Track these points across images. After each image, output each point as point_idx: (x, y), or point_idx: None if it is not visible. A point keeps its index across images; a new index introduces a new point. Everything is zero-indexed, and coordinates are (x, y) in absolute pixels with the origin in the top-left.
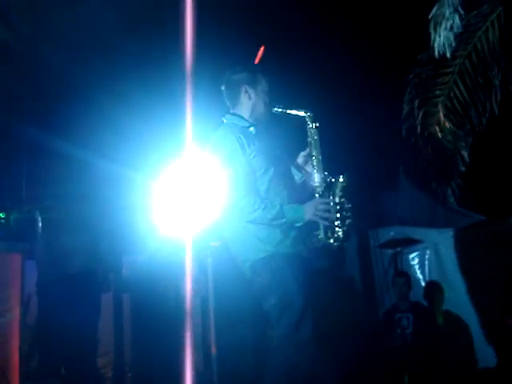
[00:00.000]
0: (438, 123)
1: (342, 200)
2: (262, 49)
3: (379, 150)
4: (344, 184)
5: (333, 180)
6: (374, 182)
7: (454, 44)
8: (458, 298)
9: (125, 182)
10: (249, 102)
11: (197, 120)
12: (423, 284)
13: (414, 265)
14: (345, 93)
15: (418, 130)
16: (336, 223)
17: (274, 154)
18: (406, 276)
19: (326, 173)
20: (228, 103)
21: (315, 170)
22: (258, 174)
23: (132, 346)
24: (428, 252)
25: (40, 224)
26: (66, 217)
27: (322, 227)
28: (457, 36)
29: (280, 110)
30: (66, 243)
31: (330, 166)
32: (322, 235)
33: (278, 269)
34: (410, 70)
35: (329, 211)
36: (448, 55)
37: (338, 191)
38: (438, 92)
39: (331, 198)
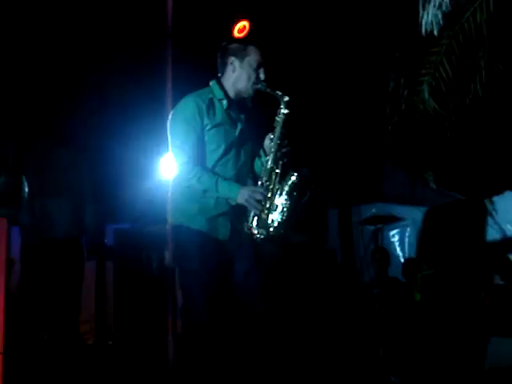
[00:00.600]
0: (423, 102)
1: (286, 197)
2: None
3: (362, 128)
4: (295, 181)
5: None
6: (356, 158)
7: (441, 22)
8: (436, 276)
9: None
10: (232, 74)
11: None
12: (402, 261)
13: (394, 241)
14: (330, 66)
15: (403, 107)
16: (266, 217)
17: (243, 133)
18: (384, 252)
19: (279, 162)
20: (218, 70)
21: (269, 156)
22: (208, 148)
23: (114, 314)
24: (408, 229)
25: (27, 189)
26: (50, 182)
27: (251, 216)
28: (445, 15)
29: (260, 87)
30: (50, 209)
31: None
32: (248, 224)
33: (179, 239)
34: (397, 48)
35: (260, 202)
36: (435, 33)
37: (286, 187)
38: (424, 71)
39: (275, 187)
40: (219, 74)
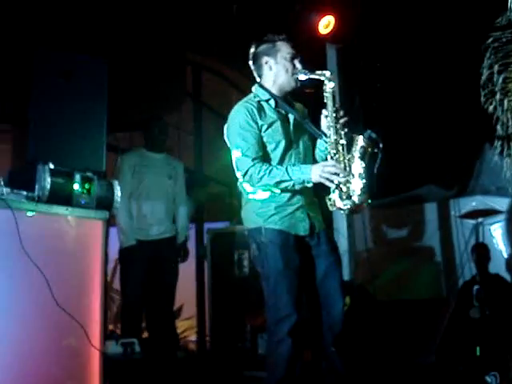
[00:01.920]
0: None
1: (359, 162)
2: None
3: (460, 118)
4: (363, 145)
5: (353, 137)
6: (455, 149)
7: None
8: None
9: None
10: (270, 73)
11: None
12: (505, 256)
13: (495, 236)
14: (421, 60)
15: (498, 96)
16: (346, 186)
17: (297, 127)
18: (485, 248)
19: (342, 133)
20: (256, 75)
21: (330, 130)
22: (268, 147)
23: (211, 312)
24: (510, 223)
25: (119, 193)
26: (147, 186)
27: (332, 191)
28: None
29: (299, 75)
30: (146, 212)
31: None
32: (332, 200)
33: (260, 242)
34: (488, 34)
35: (336, 174)
36: None
37: (356, 153)
38: None
39: (345, 158)
40: (258, 79)
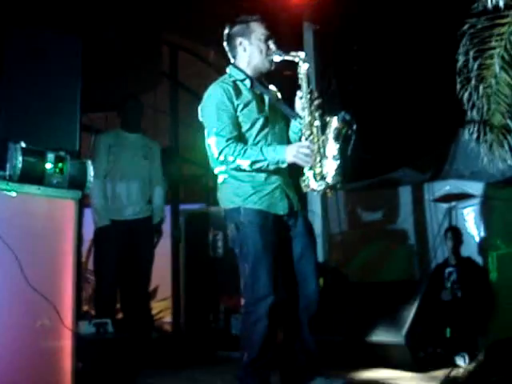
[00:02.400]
0: (494, 76)
1: (333, 143)
2: None
3: (436, 103)
4: (337, 126)
5: (326, 120)
6: (431, 134)
7: None
8: None
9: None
10: (244, 54)
11: None
12: (477, 240)
13: (468, 220)
14: (398, 44)
15: (473, 82)
16: (320, 167)
17: (272, 107)
18: (458, 231)
19: (316, 115)
20: (230, 57)
21: (304, 111)
22: (244, 127)
23: (186, 293)
24: (483, 207)
25: (92, 173)
26: (122, 166)
27: (306, 172)
28: None
29: (274, 55)
30: (120, 192)
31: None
32: (306, 181)
33: (238, 222)
34: (464, 21)
35: (309, 156)
36: (501, 4)
37: (329, 134)
38: (494, 43)
39: (320, 139)
40: (232, 60)
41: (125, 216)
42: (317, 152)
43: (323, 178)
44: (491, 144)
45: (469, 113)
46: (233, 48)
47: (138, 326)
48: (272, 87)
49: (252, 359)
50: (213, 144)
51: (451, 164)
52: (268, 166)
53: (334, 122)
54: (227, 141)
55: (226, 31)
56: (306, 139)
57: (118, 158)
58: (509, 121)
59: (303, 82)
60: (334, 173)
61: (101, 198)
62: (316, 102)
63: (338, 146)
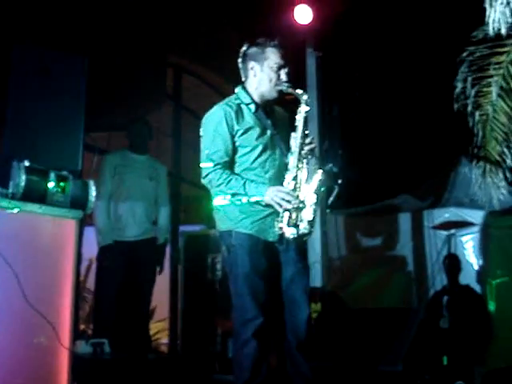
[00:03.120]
0: (491, 103)
1: (313, 194)
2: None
3: (436, 130)
4: (320, 178)
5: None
6: (431, 161)
7: (510, 20)
8: None
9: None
10: (254, 79)
11: None
12: (476, 268)
13: (467, 248)
14: (399, 71)
15: (469, 108)
16: (296, 214)
17: (274, 136)
18: (457, 259)
19: (304, 161)
20: (242, 76)
21: (294, 155)
22: (241, 151)
23: (183, 315)
24: (482, 235)
25: (94, 193)
26: (127, 187)
27: (281, 216)
28: None
29: (281, 88)
30: (125, 213)
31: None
32: (279, 224)
33: (229, 245)
34: (463, 48)
35: (288, 201)
36: (503, 31)
37: (312, 182)
38: (492, 71)
39: (301, 186)
40: (243, 79)
41: (128, 237)
42: (295, 199)
43: (296, 225)
44: (484, 170)
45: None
46: (245, 69)
47: (135, 347)
48: (280, 111)
49: (244, 381)
50: (202, 166)
51: (451, 191)
52: (248, 200)
53: (319, 175)
54: (215, 166)
55: (243, 49)
56: (289, 183)
57: (123, 178)
58: (505, 149)
59: (300, 124)
60: (306, 223)
61: (105, 218)
62: (307, 148)
63: (316, 197)
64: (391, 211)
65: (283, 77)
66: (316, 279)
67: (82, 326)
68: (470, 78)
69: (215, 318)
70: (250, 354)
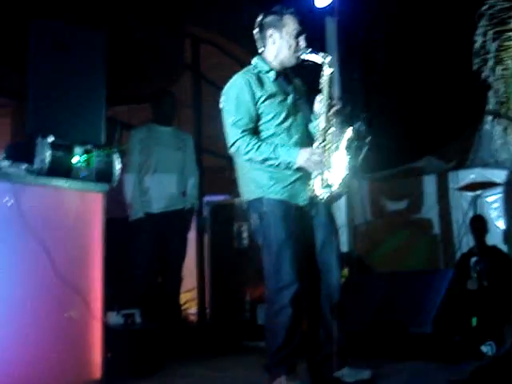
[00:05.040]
0: None
1: (344, 152)
2: None
3: (460, 91)
4: (351, 136)
5: (342, 128)
6: (454, 122)
7: None
8: None
9: None
10: (273, 46)
11: None
12: (502, 228)
13: (493, 208)
14: (420, 30)
15: (490, 63)
16: (328, 175)
17: (295, 101)
18: (483, 220)
19: (333, 121)
20: (258, 46)
21: (321, 117)
22: (265, 118)
23: (211, 284)
24: (508, 195)
25: (119, 166)
26: (155, 160)
27: (314, 177)
28: None
29: (301, 53)
30: (154, 185)
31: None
32: (312, 186)
33: (261, 212)
34: (483, 1)
35: (320, 163)
36: None
37: (342, 141)
38: None
39: (332, 147)
40: (260, 50)
41: (158, 209)
42: (327, 160)
43: (329, 185)
44: (506, 127)
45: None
46: (263, 38)
47: (166, 317)
48: (298, 82)
49: (277, 348)
50: (228, 135)
51: (476, 152)
52: (279, 165)
53: (348, 133)
54: (242, 132)
55: (259, 19)
56: (319, 145)
57: (150, 151)
58: None
59: (325, 87)
60: (340, 182)
61: (135, 191)
62: (334, 109)
63: (348, 156)
64: (416, 174)
65: (302, 43)
66: (342, 244)
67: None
68: (490, 32)
69: (243, 286)
70: (284, 321)
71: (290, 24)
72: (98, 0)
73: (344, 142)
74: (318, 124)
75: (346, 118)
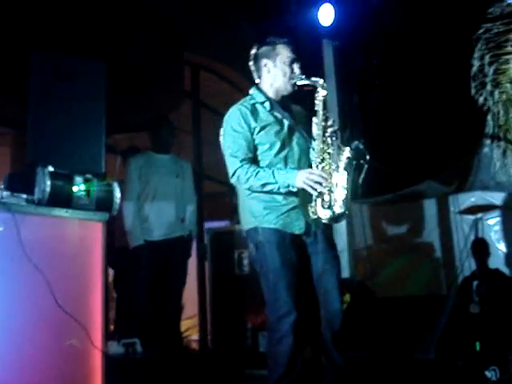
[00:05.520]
0: (510, 81)
1: (344, 173)
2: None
3: (459, 113)
4: (348, 156)
5: (340, 147)
6: (454, 145)
7: None
8: None
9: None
10: (268, 75)
11: None
12: (504, 251)
13: (495, 231)
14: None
15: (488, 87)
16: (329, 195)
17: (291, 130)
18: (485, 243)
19: (329, 142)
20: (255, 76)
21: (317, 138)
22: (261, 149)
23: (212, 311)
24: (509, 218)
25: (119, 195)
26: (154, 187)
27: (314, 199)
28: None
29: (296, 80)
30: (153, 213)
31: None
32: (313, 208)
33: (257, 242)
34: (480, 25)
35: (319, 183)
36: None
37: (341, 163)
38: (510, 48)
39: (331, 167)
40: (256, 81)
41: (158, 236)
42: (326, 180)
43: (330, 206)
44: (505, 150)
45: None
46: (258, 68)
47: (166, 346)
48: (297, 108)
49: (279, 377)
50: (228, 165)
51: (476, 175)
52: (279, 189)
53: (347, 152)
54: (241, 162)
55: (253, 51)
56: (317, 166)
57: (149, 179)
58: None
59: (319, 108)
60: (341, 202)
61: (134, 218)
62: (330, 130)
63: (348, 175)
64: (416, 198)
65: (297, 70)
66: (343, 270)
67: (112, 327)
68: (487, 56)
69: (244, 314)
70: (285, 350)
71: (284, 52)
72: (98, 28)
73: (343, 162)
74: (315, 146)
75: (344, 139)
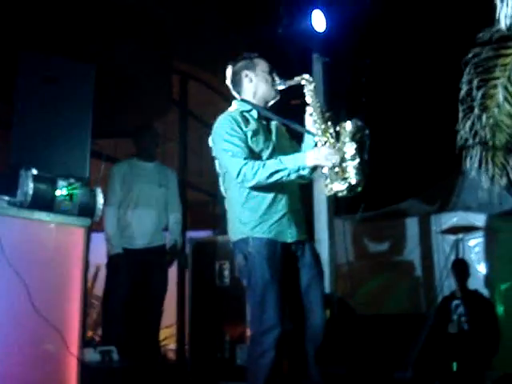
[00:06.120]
0: (498, 106)
1: (350, 143)
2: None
3: (443, 134)
4: (351, 129)
5: (337, 129)
6: (437, 165)
7: None
8: None
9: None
10: (250, 85)
11: None
12: (484, 272)
13: (475, 252)
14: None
15: (476, 111)
16: (341, 168)
17: (279, 138)
18: (465, 263)
19: (329, 123)
20: (235, 93)
21: (317, 121)
22: (254, 155)
23: (191, 321)
24: (490, 239)
25: (101, 201)
26: (136, 195)
27: (328, 175)
28: None
29: (279, 84)
30: (134, 221)
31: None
32: (329, 185)
33: (246, 253)
34: (469, 50)
35: (331, 154)
36: None
37: (345, 137)
38: (498, 73)
39: (336, 143)
40: (238, 96)
41: (138, 245)
42: (336, 153)
43: (345, 178)
44: (493, 175)
45: (471, 140)
46: (237, 83)
47: (143, 355)
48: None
49: None
50: (230, 167)
51: (458, 195)
52: (289, 175)
53: (348, 126)
54: (244, 159)
55: (230, 68)
56: (322, 145)
57: (132, 187)
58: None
59: (312, 98)
60: (354, 172)
61: (114, 226)
62: (328, 114)
63: (354, 146)
64: (398, 216)
65: (276, 77)
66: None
67: (89, 333)
68: (475, 80)
69: (223, 325)
70: (266, 364)
71: (261, 63)
72: (88, 33)
73: (346, 135)
74: (317, 128)
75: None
